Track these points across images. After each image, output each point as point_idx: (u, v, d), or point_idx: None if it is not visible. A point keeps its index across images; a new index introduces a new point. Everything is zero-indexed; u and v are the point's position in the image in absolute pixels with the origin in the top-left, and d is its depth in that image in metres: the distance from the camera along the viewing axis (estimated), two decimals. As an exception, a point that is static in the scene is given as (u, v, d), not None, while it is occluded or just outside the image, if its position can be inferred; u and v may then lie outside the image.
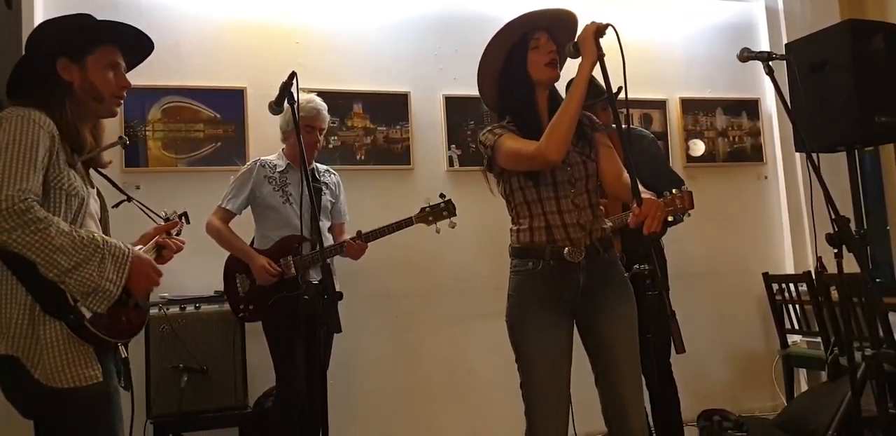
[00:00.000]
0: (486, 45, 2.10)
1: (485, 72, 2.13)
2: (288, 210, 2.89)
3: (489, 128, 2.08)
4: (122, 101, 1.74)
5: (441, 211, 2.91)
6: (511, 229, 2.10)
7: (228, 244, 2.91)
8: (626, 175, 2.06)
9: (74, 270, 1.45)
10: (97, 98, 1.66)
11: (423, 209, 2.92)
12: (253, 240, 2.99)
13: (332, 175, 3.13)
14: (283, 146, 3.02)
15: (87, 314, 1.50)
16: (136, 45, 1.78)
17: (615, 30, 1.82)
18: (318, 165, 3.11)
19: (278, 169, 2.95)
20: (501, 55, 2.09)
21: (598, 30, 1.84)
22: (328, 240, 2.95)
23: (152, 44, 1.81)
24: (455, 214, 2.92)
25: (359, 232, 2.89)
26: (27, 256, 1.42)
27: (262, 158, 3.00)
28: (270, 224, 2.92)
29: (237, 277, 2.94)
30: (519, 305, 2.02)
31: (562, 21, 2.04)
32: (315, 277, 2.88)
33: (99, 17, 1.73)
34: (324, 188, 3.02)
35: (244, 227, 3.00)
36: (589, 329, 2.04)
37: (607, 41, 1.84)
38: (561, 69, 2.05)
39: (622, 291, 2.03)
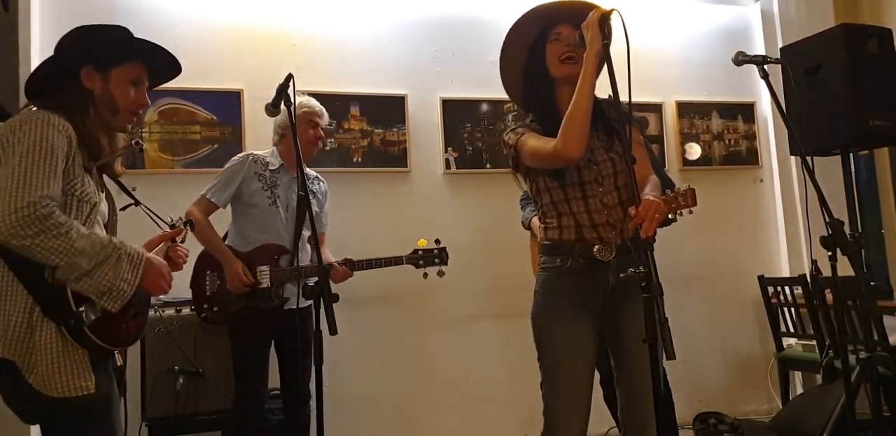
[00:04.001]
0: (495, 38, 2.04)
1: (508, 67, 2.04)
2: (273, 213, 2.78)
3: (511, 127, 2.02)
4: (135, 118, 1.75)
5: (433, 258, 2.87)
6: (540, 226, 2.05)
7: (207, 240, 2.77)
8: (654, 177, 1.99)
9: (93, 271, 1.47)
10: (112, 110, 1.67)
11: (415, 251, 2.87)
12: (226, 235, 2.87)
13: (322, 183, 3.02)
14: (279, 145, 2.90)
15: (88, 320, 1.49)
16: (163, 67, 1.79)
17: (621, 16, 1.73)
18: (309, 171, 2.99)
19: (270, 167, 2.83)
20: (524, 46, 2.01)
21: (603, 16, 1.77)
22: (307, 250, 2.86)
23: (180, 69, 1.82)
24: (446, 264, 2.87)
25: (347, 259, 2.81)
26: (49, 260, 1.43)
27: (254, 152, 2.88)
28: (253, 224, 2.79)
29: (207, 275, 2.84)
30: (546, 302, 1.96)
31: (583, 13, 1.88)
32: (292, 290, 2.76)
33: (96, 19, 1.73)
34: (311, 197, 2.86)
35: (215, 221, 2.85)
36: (614, 331, 1.98)
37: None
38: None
39: None
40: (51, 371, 1.45)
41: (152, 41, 1.72)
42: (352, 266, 2.80)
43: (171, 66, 1.80)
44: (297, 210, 2.80)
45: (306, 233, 2.83)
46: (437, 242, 2.90)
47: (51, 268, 1.46)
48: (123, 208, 1.82)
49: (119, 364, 1.67)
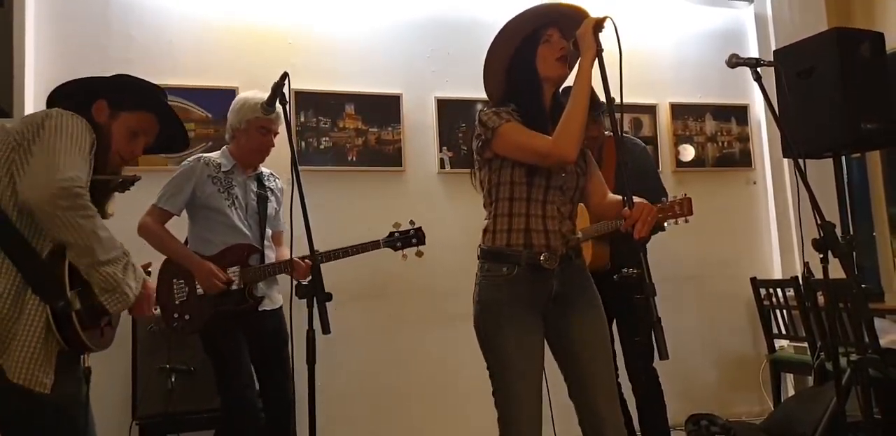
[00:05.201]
0: (491, 39, 2.04)
1: (493, 62, 2.05)
2: (233, 214, 2.68)
3: (493, 109, 1.98)
4: (121, 165, 1.81)
5: (410, 238, 2.83)
6: (486, 229, 2.03)
7: (168, 248, 2.64)
8: (611, 195, 2.06)
9: (105, 265, 1.52)
10: (105, 146, 1.72)
11: (391, 234, 2.83)
12: (186, 242, 2.74)
13: (277, 180, 2.91)
14: (229, 145, 2.79)
15: (76, 306, 1.52)
16: (172, 133, 1.89)
17: (614, 23, 1.79)
18: (263, 169, 2.87)
19: (223, 169, 2.71)
20: (511, 46, 2.03)
21: (597, 24, 1.82)
22: (273, 249, 2.81)
23: (186, 147, 2.00)
24: (424, 243, 2.85)
25: (315, 251, 2.61)
26: (67, 236, 1.48)
27: (204, 155, 2.77)
28: (214, 228, 2.68)
29: (174, 284, 2.71)
30: (493, 312, 1.97)
31: (574, 19, 1.97)
32: (264, 289, 2.71)
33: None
34: (269, 195, 2.82)
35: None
36: (559, 337, 2.00)
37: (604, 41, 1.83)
38: (571, 69, 2.00)
39: (591, 297, 2.02)
40: (20, 357, 1.47)
41: (175, 112, 1.85)
42: (323, 257, 2.65)
43: (179, 137, 1.91)
44: (257, 209, 2.75)
45: (269, 232, 2.79)
46: (412, 222, 2.86)
47: (48, 248, 1.50)
48: None
49: (85, 366, 1.67)
